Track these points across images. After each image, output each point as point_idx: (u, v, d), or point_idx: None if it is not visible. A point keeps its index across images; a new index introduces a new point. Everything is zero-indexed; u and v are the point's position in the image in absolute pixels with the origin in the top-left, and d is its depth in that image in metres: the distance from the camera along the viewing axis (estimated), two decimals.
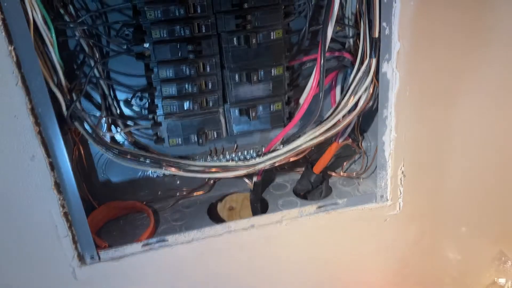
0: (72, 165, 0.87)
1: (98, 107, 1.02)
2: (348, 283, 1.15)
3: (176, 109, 0.93)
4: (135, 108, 1.05)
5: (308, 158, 1.18)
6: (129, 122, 1.03)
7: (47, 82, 0.82)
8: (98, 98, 1.01)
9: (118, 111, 1.03)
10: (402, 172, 1.02)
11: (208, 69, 0.91)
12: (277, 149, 0.99)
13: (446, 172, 1.06)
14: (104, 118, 1.02)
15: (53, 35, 0.83)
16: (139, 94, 1.03)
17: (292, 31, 1.00)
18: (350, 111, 0.99)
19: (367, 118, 1.12)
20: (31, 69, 0.77)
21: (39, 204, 0.86)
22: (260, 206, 1.13)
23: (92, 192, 1.07)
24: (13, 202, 0.85)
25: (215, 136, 0.97)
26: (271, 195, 1.15)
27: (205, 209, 1.12)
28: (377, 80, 0.95)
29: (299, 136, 0.98)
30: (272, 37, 0.90)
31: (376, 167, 1.06)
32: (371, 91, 0.97)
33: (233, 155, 1.08)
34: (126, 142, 1.05)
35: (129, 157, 0.96)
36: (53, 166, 0.85)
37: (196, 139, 0.96)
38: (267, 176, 1.18)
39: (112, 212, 1.10)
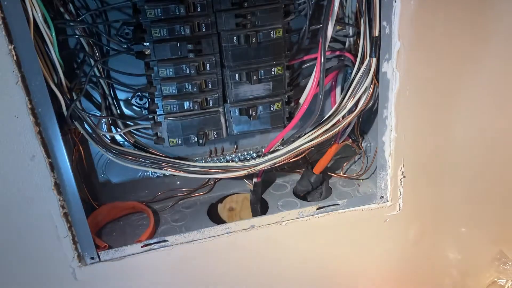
0: (72, 165, 0.87)
1: (98, 107, 1.01)
2: (348, 284, 1.15)
3: (176, 109, 0.93)
4: (135, 108, 1.05)
5: (308, 159, 1.18)
6: (129, 122, 1.03)
7: (47, 81, 0.82)
8: (98, 97, 1.01)
9: (118, 111, 1.03)
10: (402, 173, 1.02)
11: (208, 68, 0.91)
12: (277, 150, 0.99)
13: (446, 172, 1.06)
14: (104, 119, 1.01)
15: (53, 33, 0.83)
16: (139, 93, 1.03)
17: (292, 30, 1.00)
18: (350, 111, 0.99)
19: (367, 118, 1.12)
20: (31, 68, 0.77)
21: (39, 204, 0.86)
22: (260, 207, 1.13)
23: (92, 192, 1.07)
24: (13, 202, 0.85)
25: (215, 136, 0.97)
26: (271, 196, 1.15)
27: (205, 210, 1.11)
28: (377, 80, 0.95)
29: (299, 137, 0.98)
30: (272, 36, 0.90)
31: (376, 167, 1.06)
32: (371, 91, 0.97)
33: (233, 156, 1.08)
34: (126, 142, 1.04)
35: (129, 157, 0.96)
36: (53, 166, 0.85)
37: (196, 139, 0.96)
38: (267, 177, 1.18)
39: (112, 213, 1.09)
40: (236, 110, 0.96)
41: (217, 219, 1.12)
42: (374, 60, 0.93)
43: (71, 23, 0.91)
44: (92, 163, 1.08)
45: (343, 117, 0.99)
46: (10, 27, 0.74)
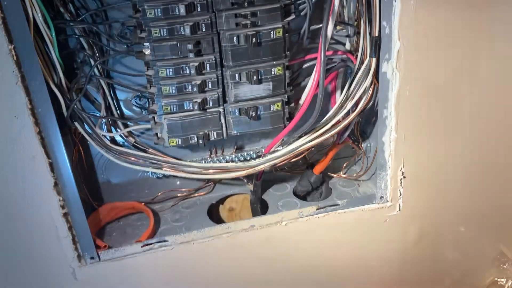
0: (72, 166, 0.87)
1: (98, 107, 1.01)
2: (348, 284, 1.15)
3: (176, 109, 0.92)
4: (135, 108, 1.05)
5: (308, 159, 1.18)
6: (129, 123, 1.03)
7: (47, 81, 0.82)
8: (98, 98, 1.01)
9: (118, 112, 1.03)
10: (402, 173, 1.02)
11: (208, 68, 0.91)
12: (277, 150, 0.99)
13: (446, 172, 1.06)
14: (104, 119, 1.01)
15: (53, 33, 0.83)
16: (139, 93, 1.03)
17: (292, 30, 1.00)
18: (350, 112, 0.99)
19: (367, 119, 1.12)
20: (31, 68, 0.77)
21: (39, 205, 0.86)
22: (260, 207, 1.13)
23: (92, 193, 1.07)
24: (13, 203, 0.85)
25: (215, 136, 0.97)
26: (271, 196, 1.15)
27: (205, 210, 1.12)
28: (377, 80, 0.95)
29: (299, 137, 0.98)
30: (272, 36, 0.90)
31: (376, 168, 1.06)
32: (371, 91, 0.97)
33: (233, 156, 1.08)
34: (126, 143, 1.04)
35: (129, 158, 0.96)
36: (53, 166, 0.85)
37: (196, 139, 0.96)
38: (267, 177, 1.18)
39: (112, 213, 1.09)
40: (236, 111, 0.96)
41: (217, 219, 1.12)
42: (374, 60, 0.93)
43: (71, 23, 0.91)
44: (92, 163, 1.08)
45: (343, 117, 0.99)
46: (10, 27, 0.74)
